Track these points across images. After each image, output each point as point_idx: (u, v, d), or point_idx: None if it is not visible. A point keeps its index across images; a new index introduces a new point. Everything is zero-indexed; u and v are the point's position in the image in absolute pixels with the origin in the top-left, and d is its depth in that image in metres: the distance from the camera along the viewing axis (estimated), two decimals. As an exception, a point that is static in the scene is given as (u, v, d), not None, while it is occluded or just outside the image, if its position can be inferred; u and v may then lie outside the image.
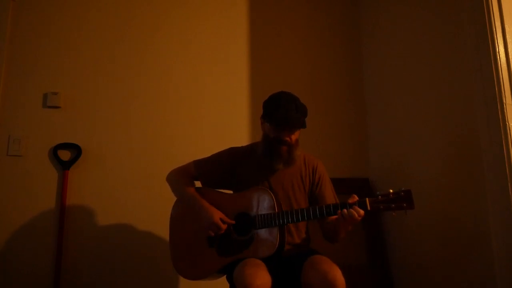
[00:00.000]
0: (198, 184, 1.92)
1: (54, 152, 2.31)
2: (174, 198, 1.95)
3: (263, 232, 1.66)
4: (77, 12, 2.51)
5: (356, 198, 1.59)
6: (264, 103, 1.78)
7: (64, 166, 2.30)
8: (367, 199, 1.56)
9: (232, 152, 1.86)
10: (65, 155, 2.34)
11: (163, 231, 2.31)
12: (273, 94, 1.78)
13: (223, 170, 1.84)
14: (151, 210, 2.37)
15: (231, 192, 1.87)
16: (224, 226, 1.70)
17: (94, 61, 2.48)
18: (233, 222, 1.73)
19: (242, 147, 1.90)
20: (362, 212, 1.55)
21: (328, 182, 1.85)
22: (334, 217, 1.72)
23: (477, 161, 1.92)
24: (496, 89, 1.84)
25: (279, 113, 1.67)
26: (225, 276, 1.77)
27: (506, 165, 1.77)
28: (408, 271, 2.41)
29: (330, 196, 1.82)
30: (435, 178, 2.19)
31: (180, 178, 1.87)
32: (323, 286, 1.45)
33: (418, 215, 2.25)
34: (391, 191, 1.56)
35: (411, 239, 2.38)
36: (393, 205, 1.55)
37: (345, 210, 1.56)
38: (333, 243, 1.76)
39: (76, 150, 2.34)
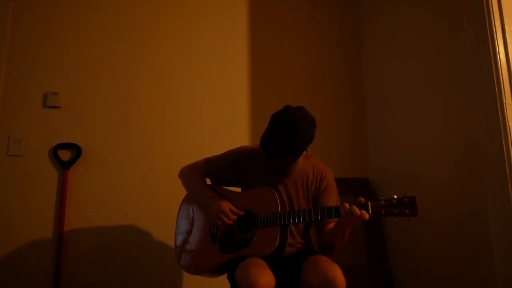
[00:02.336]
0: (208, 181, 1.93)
1: (54, 152, 2.31)
2: (175, 197, 1.96)
3: (264, 231, 1.66)
4: (77, 12, 2.51)
5: (363, 200, 1.54)
6: (269, 121, 1.66)
7: (64, 166, 2.30)
8: (369, 202, 1.52)
9: (242, 152, 1.86)
10: (65, 155, 2.34)
11: (163, 230, 2.32)
12: (278, 114, 1.65)
13: (231, 169, 1.85)
14: (151, 209, 2.37)
15: (238, 190, 1.88)
16: (233, 217, 1.72)
17: (94, 61, 2.48)
18: (242, 213, 1.74)
19: (252, 147, 1.90)
20: (365, 213, 1.49)
21: (334, 192, 1.82)
22: (332, 225, 1.71)
23: (477, 161, 1.92)
24: (496, 89, 1.84)
25: (272, 145, 1.60)
26: (226, 277, 1.77)
27: (506, 165, 1.77)
28: (408, 271, 2.41)
29: (333, 204, 1.77)
30: (435, 178, 2.19)
31: (191, 173, 1.90)
32: (323, 286, 1.45)
33: (418, 215, 2.25)
34: (394, 196, 1.51)
35: (411, 239, 2.38)
36: (395, 211, 1.49)
37: (347, 205, 1.52)
38: (329, 253, 1.73)
39: (76, 150, 2.34)
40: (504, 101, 1.83)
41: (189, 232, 1.87)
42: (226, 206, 1.73)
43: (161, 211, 2.32)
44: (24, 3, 2.43)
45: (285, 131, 1.58)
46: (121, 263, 2.30)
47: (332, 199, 1.79)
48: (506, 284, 1.76)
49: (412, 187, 2.27)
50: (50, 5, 2.47)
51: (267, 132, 1.63)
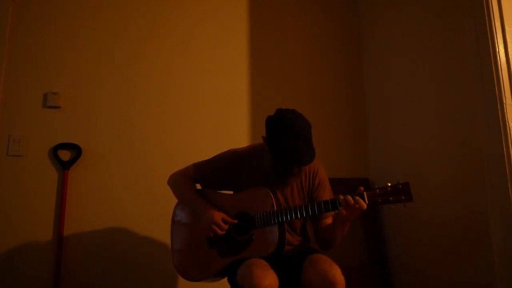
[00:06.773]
0: (198, 186, 1.92)
1: (54, 152, 2.31)
2: (175, 198, 1.95)
3: (263, 231, 1.66)
4: (77, 12, 2.51)
5: (362, 189, 1.57)
6: (269, 131, 1.62)
7: (64, 166, 2.30)
8: (364, 192, 1.56)
9: (231, 154, 1.85)
10: (65, 155, 2.34)
11: (163, 231, 2.30)
12: (277, 120, 1.60)
13: (222, 172, 1.83)
14: (151, 210, 2.37)
15: (231, 193, 1.87)
16: (225, 226, 1.70)
17: (94, 61, 2.48)
18: (235, 221, 1.73)
19: (241, 149, 1.89)
20: (360, 200, 1.52)
21: (328, 186, 1.83)
22: (330, 221, 1.72)
23: (477, 161, 1.92)
24: (496, 89, 1.84)
25: (289, 153, 1.55)
26: (226, 279, 1.77)
27: (506, 165, 1.77)
28: (408, 271, 2.41)
29: (328, 198, 1.79)
30: (435, 178, 2.19)
31: (181, 180, 1.87)
32: (322, 285, 1.45)
33: (418, 214, 2.26)
34: (389, 184, 1.55)
35: (410, 238, 2.38)
36: (391, 198, 1.53)
37: (341, 196, 1.54)
38: (328, 248, 1.74)
39: (76, 150, 2.34)
40: (504, 101, 1.83)
41: (185, 239, 1.84)
42: (218, 216, 1.71)
43: (161, 211, 2.30)
44: (24, 3, 2.43)
45: (297, 134, 1.55)
46: (121, 264, 2.30)
47: (326, 193, 1.80)
48: (506, 284, 1.76)
49: (412, 186, 2.26)
50: (50, 5, 2.47)
51: (278, 146, 1.57)
